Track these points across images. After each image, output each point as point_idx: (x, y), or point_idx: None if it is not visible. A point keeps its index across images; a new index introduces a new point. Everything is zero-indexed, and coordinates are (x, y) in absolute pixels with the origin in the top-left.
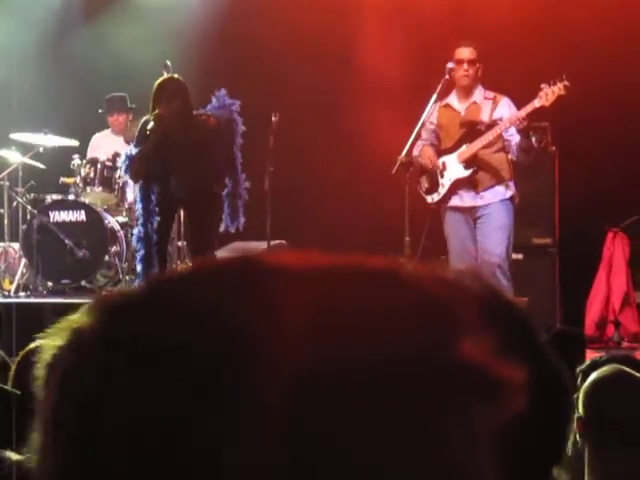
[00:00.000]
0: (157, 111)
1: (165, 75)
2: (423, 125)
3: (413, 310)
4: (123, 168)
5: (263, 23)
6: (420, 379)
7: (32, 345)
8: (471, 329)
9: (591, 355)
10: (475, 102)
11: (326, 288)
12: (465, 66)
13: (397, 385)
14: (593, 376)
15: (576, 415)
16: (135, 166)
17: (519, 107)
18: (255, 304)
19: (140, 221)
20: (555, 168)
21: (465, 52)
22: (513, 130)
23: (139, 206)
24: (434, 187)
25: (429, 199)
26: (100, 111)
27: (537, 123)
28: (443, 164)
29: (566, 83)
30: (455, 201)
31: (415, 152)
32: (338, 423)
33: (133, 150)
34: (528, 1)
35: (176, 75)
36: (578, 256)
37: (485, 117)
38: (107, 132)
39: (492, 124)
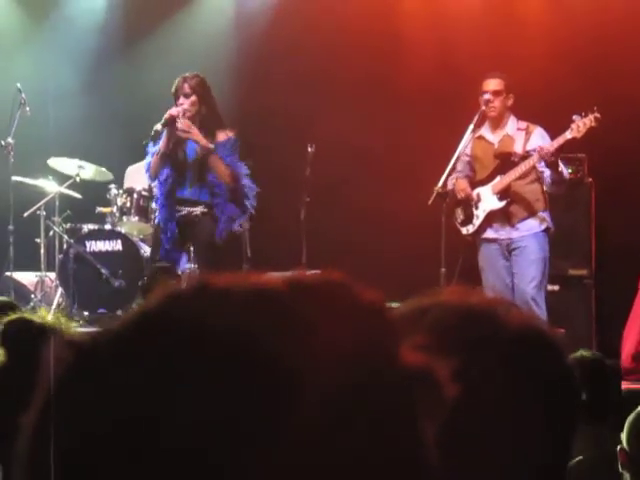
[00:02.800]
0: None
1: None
2: (459, 157)
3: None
4: (145, 167)
5: (297, 56)
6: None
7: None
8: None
9: (627, 387)
10: (508, 134)
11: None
12: (489, 96)
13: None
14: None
15: (619, 446)
16: (152, 163)
17: (553, 137)
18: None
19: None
20: (591, 199)
21: (490, 84)
22: None
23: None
24: (469, 219)
25: (464, 231)
26: (144, 142)
27: (573, 155)
28: (478, 195)
29: (597, 115)
30: (490, 233)
31: (449, 184)
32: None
33: (152, 148)
34: (561, 32)
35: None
36: (614, 287)
37: (518, 148)
38: (143, 163)
39: (525, 155)
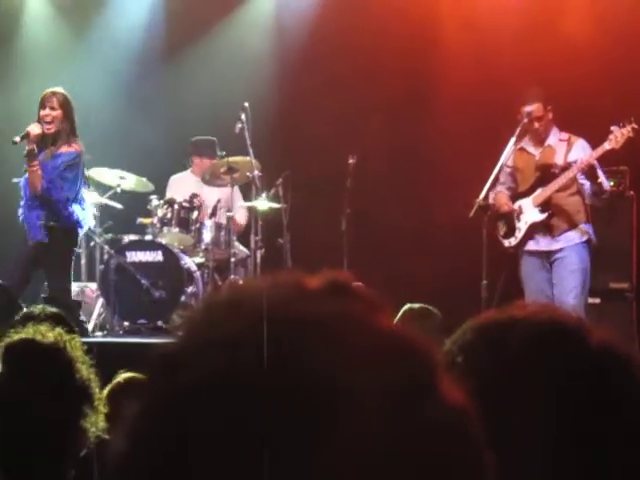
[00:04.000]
0: None
1: (243, 117)
2: (501, 169)
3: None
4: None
5: (341, 66)
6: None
7: (118, 379)
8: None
9: None
10: (550, 145)
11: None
12: (536, 124)
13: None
14: None
15: None
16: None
17: (594, 148)
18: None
19: None
20: (633, 212)
21: (531, 110)
22: None
23: None
24: (511, 231)
25: (506, 243)
26: (189, 153)
27: (615, 167)
28: (519, 208)
29: (635, 125)
30: (531, 245)
31: (491, 197)
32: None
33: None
34: (601, 43)
35: None
36: None
37: (559, 160)
38: (186, 173)
39: (566, 167)
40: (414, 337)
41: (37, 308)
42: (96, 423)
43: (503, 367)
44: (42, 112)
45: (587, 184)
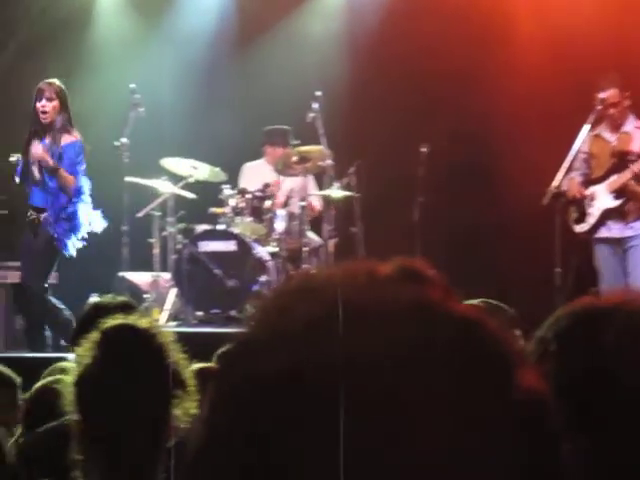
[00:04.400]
0: None
1: (315, 106)
2: (575, 155)
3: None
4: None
5: (413, 53)
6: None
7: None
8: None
9: None
10: (626, 132)
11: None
12: (611, 110)
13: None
14: None
15: None
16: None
17: None
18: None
19: None
20: None
21: (607, 96)
22: None
23: None
24: (583, 217)
25: (577, 229)
26: (263, 141)
27: None
28: (592, 194)
29: None
30: (603, 232)
31: (564, 185)
32: None
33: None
34: None
35: None
36: None
37: (635, 147)
38: (259, 162)
39: None
40: (490, 324)
41: (107, 297)
42: (188, 410)
43: (602, 356)
44: (38, 104)
45: None
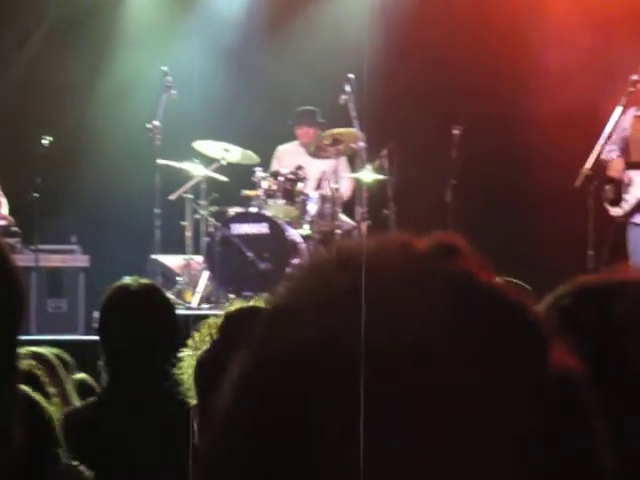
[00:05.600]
0: None
1: (347, 88)
2: (609, 136)
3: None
4: None
5: (446, 33)
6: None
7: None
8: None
9: None
10: None
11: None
12: (634, 88)
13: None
14: None
15: None
16: None
17: None
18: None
19: None
20: None
21: (638, 77)
22: None
23: None
24: (619, 199)
25: (612, 211)
26: (290, 122)
27: None
28: (630, 179)
29: None
30: (637, 218)
31: (605, 155)
32: None
33: None
34: None
35: None
36: None
37: None
38: (292, 144)
39: None
40: (524, 300)
41: (130, 279)
42: None
43: (609, 336)
44: None
45: None
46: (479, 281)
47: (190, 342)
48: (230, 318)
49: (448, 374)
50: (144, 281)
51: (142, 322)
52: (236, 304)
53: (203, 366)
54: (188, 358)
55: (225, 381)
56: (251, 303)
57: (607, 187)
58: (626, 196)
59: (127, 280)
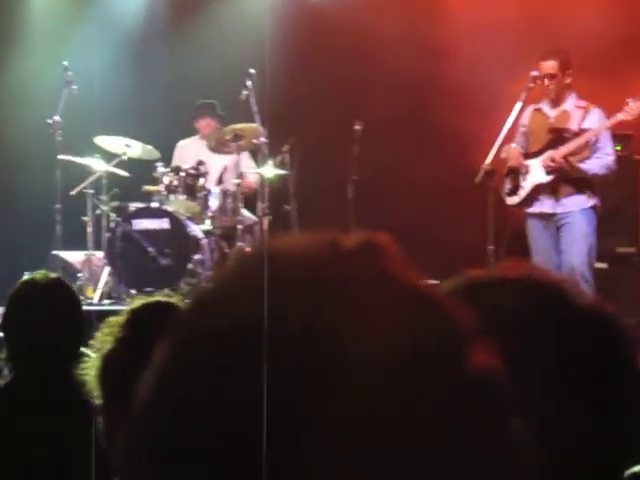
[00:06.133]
0: None
1: (249, 84)
2: (511, 130)
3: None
4: None
5: (346, 32)
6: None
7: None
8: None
9: None
10: (566, 110)
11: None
12: (546, 81)
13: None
14: None
15: None
16: None
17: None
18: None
19: None
20: (639, 177)
21: (547, 66)
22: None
23: None
24: (516, 189)
25: (509, 201)
26: (192, 115)
27: (622, 132)
28: (527, 168)
29: None
30: (536, 207)
31: (503, 153)
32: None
33: None
34: (617, 13)
35: None
36: None
37: (574, 126)
38: (193, 139)
39: (579, 133)
40: (445, 299)
41: (38, 274)
42: None
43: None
44: None
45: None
46: (402, 279)
47: (93, 342)
48: (134, 314)
49: (360, 372)
50: (53, 276)
51: (49, 318)
52: (138, 300)
53: (107, 365)
54: (92, 358)
55: (143, 374)
56: (155, 298)
57: (506, 179)
58: (523, 183)
59: (35, 275)
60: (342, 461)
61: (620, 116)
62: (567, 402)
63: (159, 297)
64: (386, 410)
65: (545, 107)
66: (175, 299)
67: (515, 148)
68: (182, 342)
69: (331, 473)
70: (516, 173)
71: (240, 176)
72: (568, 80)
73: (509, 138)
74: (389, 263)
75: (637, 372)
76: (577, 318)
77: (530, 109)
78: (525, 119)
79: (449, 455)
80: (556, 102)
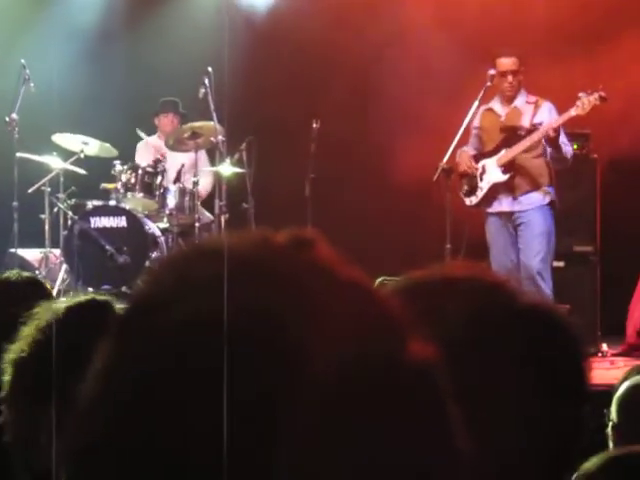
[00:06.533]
0: None
1: (206, 82)
2: (467, 130)
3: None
4: None
5: (305, 29)
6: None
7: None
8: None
9: (632, 363)
10: (516, 107)
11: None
12: (509, 78)
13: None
14: (627, 383)
15: (610, 423)
16: None
17: (561, 112)
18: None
19: None
20: (597, 175)
21: (508, 63)
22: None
23: None
24: (473, 190)
25: (467, 202)
26: (155, 112)
27: (579, 131)
28: (483, 167)
29: (602, 94)
30: (494, 206)
31: (456, 157)
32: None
33: None
34: (566, 9)
35: None
36: (619, 264)
37: (526, 122)
38: (152, 138)
39: (532, 129)
40: (380, 291)
41: (12, 273)
42: None
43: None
44: None
45: (549, 149)
46: (334, 271)
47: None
48: (70, 311)
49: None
50: (26, 274)
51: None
52: (60, 304)
53: (22, 370)
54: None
55: (88, 372)
56: (78, 299)
57: (463, 181)
58: (480, 184)
59: (9, 274)
60: (299, 453)
61: (572, 112)
62: (510, 402)
63: (81, 298)
64: (336, 402)
65: (496, 106)
66: (101, 298)
67: (466, 152)
68: (126, 341)
69: (282, 464)
70: (471, 176)
71: (197, 175)
72: (520, 77)
73: (465, 137)
74: (319, 257)
75: (580, 368)
76: (518, 317)
77: (481, 110)
78: (477, 121)
79: (389, 443)
80: (507, 100)
